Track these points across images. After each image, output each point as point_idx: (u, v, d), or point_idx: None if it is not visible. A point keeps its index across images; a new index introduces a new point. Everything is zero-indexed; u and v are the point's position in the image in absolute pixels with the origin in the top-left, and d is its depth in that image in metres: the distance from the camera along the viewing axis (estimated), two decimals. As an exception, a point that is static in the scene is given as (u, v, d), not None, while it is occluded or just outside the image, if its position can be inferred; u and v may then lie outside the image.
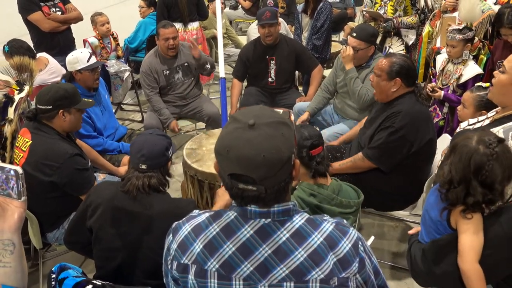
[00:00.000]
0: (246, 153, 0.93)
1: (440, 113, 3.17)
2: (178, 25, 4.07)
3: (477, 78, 2.95)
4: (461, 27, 2.97)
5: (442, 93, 3.01)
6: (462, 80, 2.96)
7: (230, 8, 6.50)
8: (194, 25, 4.27)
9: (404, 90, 2.30)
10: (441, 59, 3.19)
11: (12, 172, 0.89)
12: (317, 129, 1.98)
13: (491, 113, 1.99)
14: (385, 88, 2.32)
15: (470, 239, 1.51)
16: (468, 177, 1.48)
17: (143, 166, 1.68)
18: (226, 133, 0.98)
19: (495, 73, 1.87)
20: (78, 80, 2.85)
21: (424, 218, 1.72)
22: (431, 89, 3.06)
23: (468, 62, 2.98)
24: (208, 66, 3.53)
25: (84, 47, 4.04)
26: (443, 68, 3.12)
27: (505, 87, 1.80)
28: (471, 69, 2.96)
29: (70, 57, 2.86)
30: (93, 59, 2.89)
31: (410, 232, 1.89)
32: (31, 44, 3.83)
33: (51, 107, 2.17)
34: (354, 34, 2.89)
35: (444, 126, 3.17)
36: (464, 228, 1.53)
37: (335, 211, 1.75)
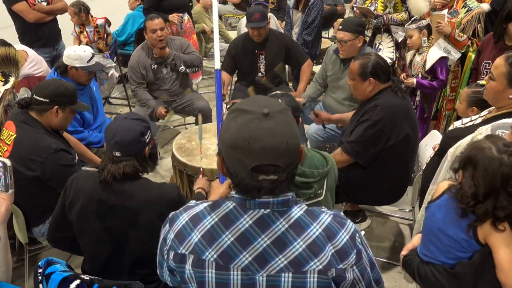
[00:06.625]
0: (270, 142, 0.91)
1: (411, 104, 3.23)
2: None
3: (442, 61, 3.01)
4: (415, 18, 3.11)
5: (414, 80, 3.10)
6: (428, 66, 3.04)
7: (220, 3, 6.45)
8: (184, 17, 4.22)
9: (380, 87, 2.34)
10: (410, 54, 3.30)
11: (0, 164, 0.86)
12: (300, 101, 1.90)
13: (484, 112, 2.02)
14: (361, 89, 2.36)
15: (509, 251, 1.44)
16: (496, 189, 1.42)
17: (117, 154, 1.61)
18: (240, 125, 0.93)
19: (486, 79, 1.94)
20: (71, 75, 2.79)
21: (435, 238, 1.59)
22: (404, 78, 3.15)
23: (430, 49, 3.06)
24: (183, 67, 3.38)
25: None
26: (411, 61, 3.21)
27: (497, 93, 1.88)
28: (433, 54, 3.03)
29: (71, 52, 2.76)
30: (94, 61, 2.83)
31: (403, 253, 1.76)
32: (16, 36, 3.75)
33: (48, 100, 2.15)
34: (341, 27, 2.95)
35: (417, 115, 3.21)
36: (499, 241, 1.45)
37: (296, 181, 1.70)
